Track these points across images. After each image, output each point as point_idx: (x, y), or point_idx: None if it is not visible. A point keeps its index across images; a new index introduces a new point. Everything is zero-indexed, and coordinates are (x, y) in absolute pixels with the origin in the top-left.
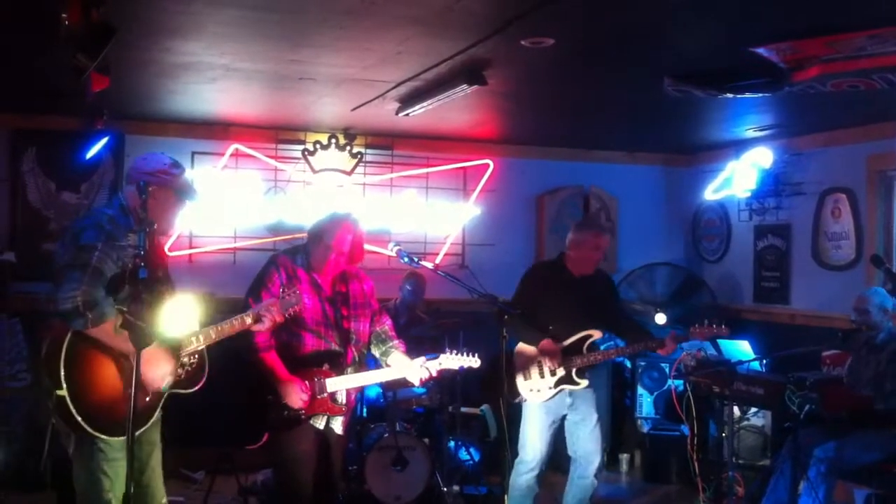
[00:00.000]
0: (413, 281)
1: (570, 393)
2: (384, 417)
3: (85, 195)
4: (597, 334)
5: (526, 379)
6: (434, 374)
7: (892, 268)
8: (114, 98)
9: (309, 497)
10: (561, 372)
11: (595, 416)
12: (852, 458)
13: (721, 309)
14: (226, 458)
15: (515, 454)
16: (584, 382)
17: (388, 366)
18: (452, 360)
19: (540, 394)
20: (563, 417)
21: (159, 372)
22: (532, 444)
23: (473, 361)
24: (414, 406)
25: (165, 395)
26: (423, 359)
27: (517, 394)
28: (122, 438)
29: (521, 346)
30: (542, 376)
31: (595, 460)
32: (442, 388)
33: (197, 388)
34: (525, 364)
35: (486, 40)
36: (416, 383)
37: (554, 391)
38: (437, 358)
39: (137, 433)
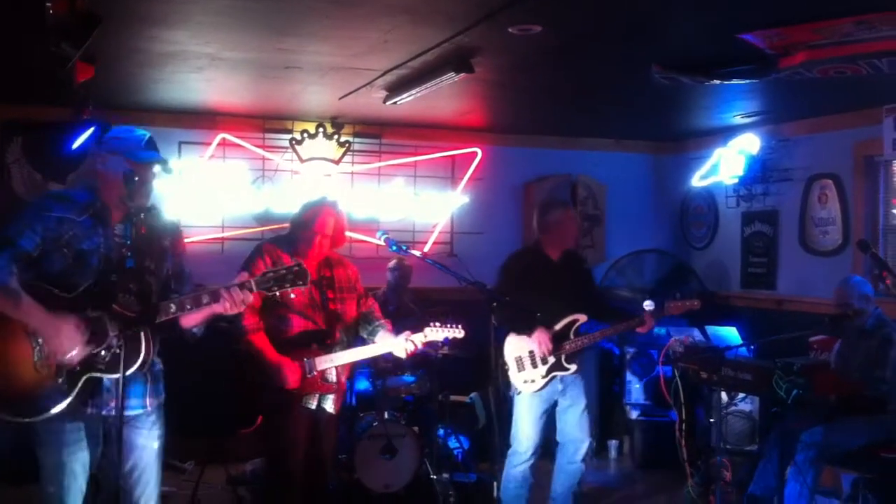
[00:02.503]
0: (398, 267)
1: (562, 379)
2: (374, 406)
3: (71, 185)
4: (582, 318)
5: (520, 371)
6: (420, 346)
7: (878, 252)
8: (100, 88)
9: (300, 480)
10: (552, 359)
11: (583, 402)
12: (840, 443)
13: (709, 295)
14: (215, 448)
15: (507, 445)
16: (574, 367)
17: (374, 342)
18: (437, 332)
19: (534, 384)
20: (555, 404)
21: (66, 345)
22: (527, 435)
23: (457, 332)
24: (403, 394)
25: (83, 377)
26: (407, 333)
27: (511, 386)
28: (46, 423)
29: (511, 337)
30: (535, 366)
31: (582, 446)
32: (431, 377)
33: (120, 374)
34: (517, 355)
35: (474, 28)
36: (402, 356)
37: (547, 379)
38: (421, 332)
39: (41, 417)
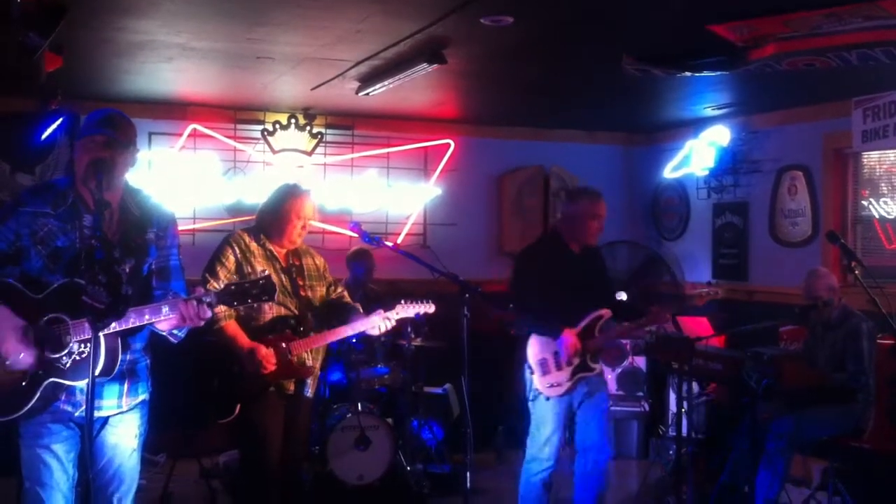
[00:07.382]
0: (361, 258)
1: (588, 381)
2: (347, 398)
3: (40, 177)
4: (607, 314)
5: (544, 374)
6: (393, 323)
7: (847, 243)
8: (68, 78)
9: (275, 469)
10: (577, 360)
11: (607, 405)
12: (810, 432)
13: (680, 286)
14: (188, 441)
15: (477, 436)
16: (598, 367)
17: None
18: (408, 309)
19: (559, 387)
20: (577, 407)
21: (9, 350)
22: (550, 441)
23: (428, 307)
24: (377, 386)
25: (44, 382)
26: (380, 311)
27: (536, 392)
28: (23, 417)
29: (533, 340)
30: (560, 368)
31: (608, 449)
32: (404, 368)
33: (80, 382)
34: (541, 357)
35: (446, 18)
36: (376, 333)
37: (572, 381)
38: (392, 309)
39: (8, 417)
